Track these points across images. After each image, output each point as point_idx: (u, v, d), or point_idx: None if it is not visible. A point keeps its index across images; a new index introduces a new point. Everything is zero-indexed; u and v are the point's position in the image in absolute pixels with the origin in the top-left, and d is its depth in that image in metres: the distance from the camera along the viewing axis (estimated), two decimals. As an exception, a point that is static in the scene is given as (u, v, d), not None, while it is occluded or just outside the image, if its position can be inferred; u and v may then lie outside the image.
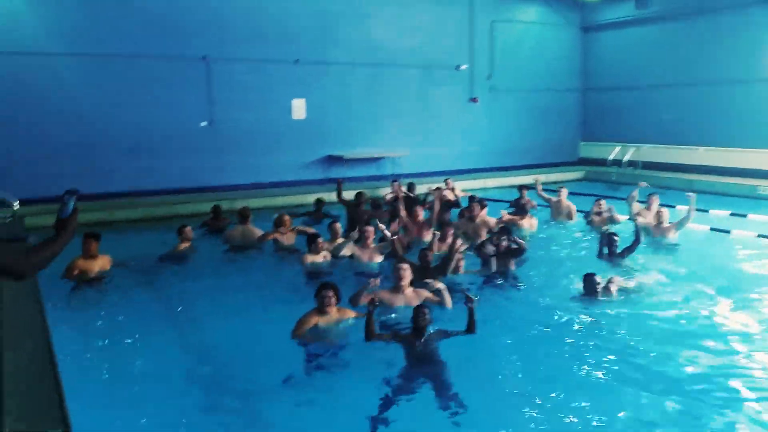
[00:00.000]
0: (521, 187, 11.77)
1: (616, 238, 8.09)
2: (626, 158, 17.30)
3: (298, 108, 14.97)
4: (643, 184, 10.33)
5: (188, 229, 8.81)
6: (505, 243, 7.43)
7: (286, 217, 8.95)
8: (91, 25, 12.54)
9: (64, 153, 12.41)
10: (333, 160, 15.48)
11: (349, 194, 11.16)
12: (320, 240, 7.79)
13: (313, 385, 4.92)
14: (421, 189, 13.70)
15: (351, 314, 5.80)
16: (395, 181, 12.14)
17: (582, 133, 20.01)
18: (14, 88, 11.97)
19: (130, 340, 5.74)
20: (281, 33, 14.46)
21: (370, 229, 8.00)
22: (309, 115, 15.10)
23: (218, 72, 13.83)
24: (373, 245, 8.00)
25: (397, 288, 6.16)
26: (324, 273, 7.50)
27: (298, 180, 14.99)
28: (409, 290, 6.18)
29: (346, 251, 7.78)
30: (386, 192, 13.09)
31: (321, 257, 7.76)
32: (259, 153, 14.49)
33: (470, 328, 5.16)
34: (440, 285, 6.31)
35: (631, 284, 6.81)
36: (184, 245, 8.70)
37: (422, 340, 5.02)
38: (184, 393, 4.79)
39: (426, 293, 6.22)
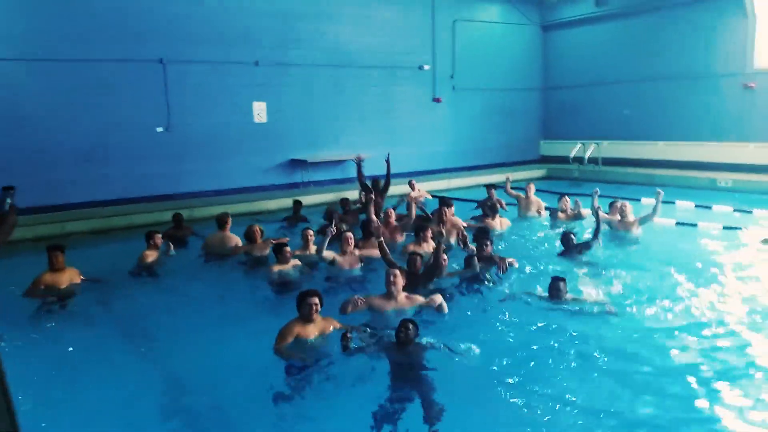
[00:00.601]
0: (489, 187, 11.66)
1: (572, 236, 8.20)
2: (587, 155, 17.44)
3: (259, 111, 14.57)
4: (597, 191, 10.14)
5: (158, 236, 8.47)
6: (489, 247, 7.29)
7: (256, 228, 8.57)
8: (40, 29, 11.87)
9: (12, 162, 11.72)
10: (296, 164, 15.13)
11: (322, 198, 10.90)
12: (287, 249, 7.48)
13: (296, 399, 4.67)
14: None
15: (336, 324, 5.49)
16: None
17: (543, 131, 20.16)
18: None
19: (99, 360, 5.44)
20: (240, 34, 14.05)
21: (350, 234, 7.76)
22: (270, 118, 14.72)
23: (175, 75, 13.32)
24: (354, 251, 7.73)
25: (389, 294, 5.91)
26: (294, 282, 7.20)
27: (260, 185, 14.59)
28: (401, 296, 5.95)
29: (327, 255, 7.47)
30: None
31: (290, 266, 7.45)
32: (219, 158, 14.04)
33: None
34: (437, 298, 6.01)
35: (593, 295, 6.60)
36: (152, 254, 8.35)
37: (406, 352, 4.89)
38: (159, 417, 4.49)
39: (420, 299, 6.00)
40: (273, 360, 5.08)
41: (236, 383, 4.90)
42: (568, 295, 6.30)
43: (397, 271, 5.96)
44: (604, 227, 9.26)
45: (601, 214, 9.29)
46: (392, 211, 9.33)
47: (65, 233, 10.98)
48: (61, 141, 12.23)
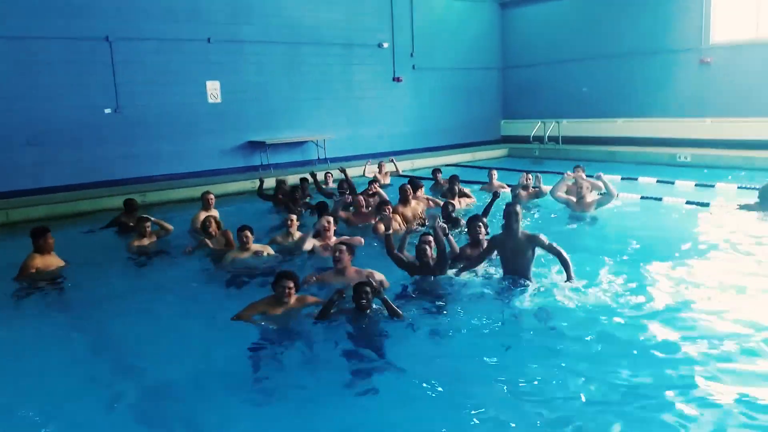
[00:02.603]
0: (435, 171, 11.99)
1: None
2: (547, 134, 17.45)
3: (213, 91, 13.98)
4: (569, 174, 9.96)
5: (148, 223, 8.01)
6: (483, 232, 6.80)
7: (212, 220, 7.94)
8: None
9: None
10: (254, 146, 14.63)
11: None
12: (248, 234, 7.04)
13: (260, 368, 4.67)
14: (351, 172, 13.24)
15: (311, 300, 5.54)
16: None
17: (503, 111, 20.09)
18: None
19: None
20: (190, 9, 13.41)
21: (330, 219, 7.39)
22: (225, 98, 14.15)
23: (123, 53, 12.62)
24: (334, 237, 7.38)
25: (339, 270, 6.03)
26: (253, 270, 6.82)
27: (217, 169, 14.06)
28: (351, 270, 6.04)
29: (307, 245, 7.08)
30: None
31: (248, 254, 7.01)
32: (173, 141, 13.44)
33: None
34: (377, 275, 5.95)
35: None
36: (145, 241, 7.96)
37: (365, 317, 5.12)
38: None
39: (368, 271, 6.00)
40: (240, 334, 5.09)
41: (198, 357, 4.89)
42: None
43: (344, 247, 6.07)
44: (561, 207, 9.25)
45: (559, 194, 9.19)
46: (363, 198, 8.95)
47: (8, 222, 10.33)
48: (3, 125, 11.46)
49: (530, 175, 10.55)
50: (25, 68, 11.65)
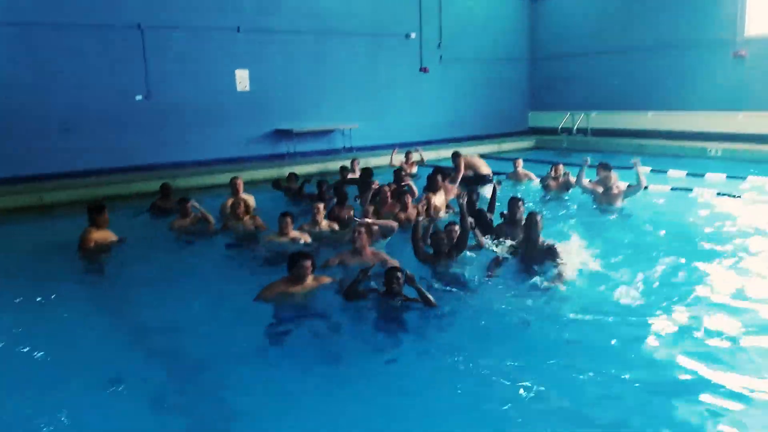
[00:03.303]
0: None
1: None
2: (576, 126, 17.27)
3: (242, 79, 14.12)
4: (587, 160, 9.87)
5: (189, 204, 8.16)
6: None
7: (240, 203, 8.05)
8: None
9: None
10: (281, 134, 14.75)
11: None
12: (288, 220, 7.03)
13: (285, 352, 4.74)
14: (376, 162, 13.33)
15: (326, 280, 5.69)
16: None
17: (531, 102, 19.92)
18: None
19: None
20: (219, -1, 13.57)
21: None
22: (253, 86, 14.28)
23: (154, 41, 12.82)
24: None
25: (356, 250, 6.22)
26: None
27: (244, 156, 14.21)
28: (368, 251, 6.26)
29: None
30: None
31: (285, 239, 7.00)
32: (201, 128, 13.62)
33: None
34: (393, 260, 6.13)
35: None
36: (186, 221, 8.12)
37: (396, 302, 5.11)
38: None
39: (385, 255, 6.28)
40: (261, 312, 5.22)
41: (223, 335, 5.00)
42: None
43: (362, 228, 6.26)
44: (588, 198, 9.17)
45: (585, 182, 9.12)
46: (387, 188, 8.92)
47: (43, 204, 10.59)
48: (36, 109, 11.76)
49: (560, 166, 10.50)
50: (59, 55, 11.91)
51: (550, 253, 5.88)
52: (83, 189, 11.25)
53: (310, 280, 5.48)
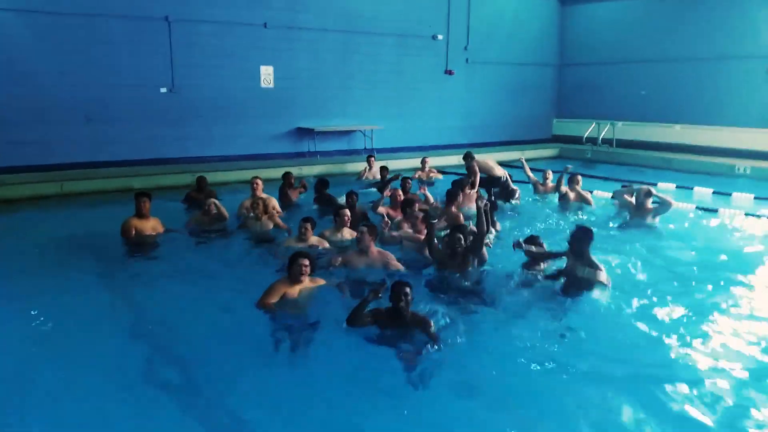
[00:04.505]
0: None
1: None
2: (601, 135, 17.00)
3: (267, 75, 14.09)
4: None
5: (212, 205, 8.10)
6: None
7: (260, 202, 8.00)
8: (41, -21, 11.42)
9: (11, 120, 11.35)
10: (303, 133, 14.71)
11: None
12: (308, 226, 6.95)
13: (283, 358, 4.66)
14: (397, 165, 13.20)
15: (320, 282, 5.63)
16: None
17: (556, 109, 19.66)
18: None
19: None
20: (249, -7, 13.53)
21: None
22: (277, 83, 14.24)
23: (181, 34, 12.82)
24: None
25: (362, 250, 6.26)
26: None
27: (266, 153, 14.19)
28: (373, 251, 6.29)
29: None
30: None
31: (304, 245, 6.84)
32: (224, 123, 13.61)
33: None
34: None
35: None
36: (205, 219, 8.08)
37: (402, 323, 4.70)
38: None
39: (390, 256, 6.27)
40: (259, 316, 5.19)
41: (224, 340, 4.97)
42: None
43: (365, 228, 6.24)
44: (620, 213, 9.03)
45: (623, 196, 9.03)
46: (399, 191, 8.78)
47: (62, 193, 10.66)
48: (60, 98, 11.81)
49: (579, 178, 10.32)
50: (85, 45, 11.93)
51: (597, 276, 5.57)
52: (103, 180, 11.29)
53: (307, 281, 5.43)
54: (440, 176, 12.92)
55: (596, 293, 5.54)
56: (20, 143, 11.40)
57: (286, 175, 9.98)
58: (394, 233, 7.14)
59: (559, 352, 4.71)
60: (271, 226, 7.90)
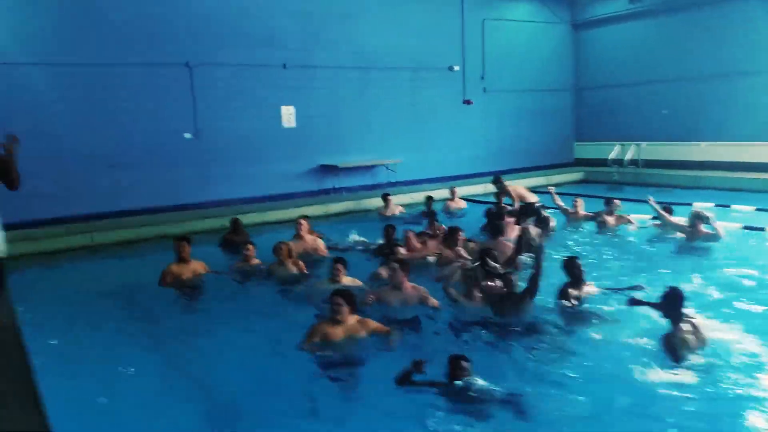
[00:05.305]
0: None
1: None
2: (627, 157, 16.77)
3: (288, 115, 14.06)
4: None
5: (250, 251, 7.94)
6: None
7: (283, 246, 7.76)
8: (62, 32, 11.44)
9: (34, 173, 11.23)
10: (326, 170, 14.60)
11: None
12: (340, 267, 6.72)
13: (329, 413, 4.41)
14: (422, 198, 13.00)
15: (373, 325, 5.40)
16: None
17: (576, 133, 19.51)
18: (-22, 101, 10.69)
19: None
20: (267, 35, 13.53)
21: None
22: (299, 122, 14.20)
23: (202, 79, 12.83)
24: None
25: (395, 286, 6.17)
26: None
27: (290, 192, 14.05)
28: (407, 286, 6.20)
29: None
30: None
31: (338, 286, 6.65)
32: (247, 164, 13.50)
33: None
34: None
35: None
36: (246, 265, 7.88)
37: (460, 391, 4.24)
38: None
39: (425, 291, 6.18)
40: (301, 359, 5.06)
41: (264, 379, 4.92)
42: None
43: (396, 265, 6.17)
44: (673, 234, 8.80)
45: (667, 218, 8.81)
46: (411, 232, 8.40)
47: (93, 244, 10.52)
48: (82, 148, 11.73)
49: (617, 201, 10.10)
50: (108, 94, 11.94)
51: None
52: (133, 229, 11.12)
53: (351, 320, 5.26)
54: (465, 205, 12.80)
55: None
56: (44, 195, 11.21)
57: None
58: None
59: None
60: (295, 270, 7.66)
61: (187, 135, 12.76)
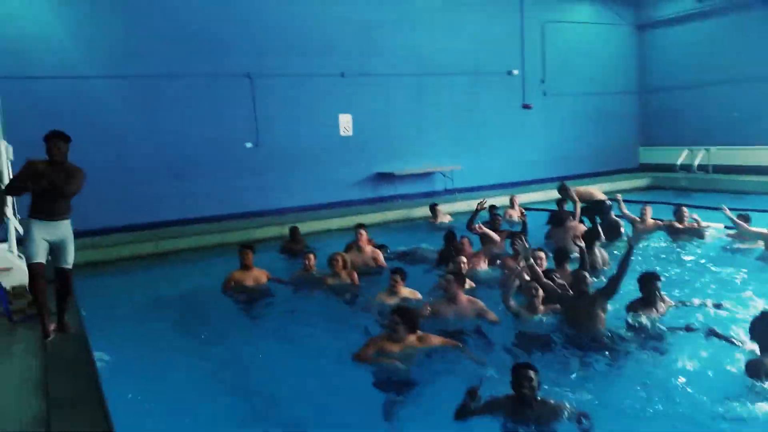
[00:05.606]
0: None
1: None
2: (696, 162, 16.06)
3: (346, 124, 14.13)
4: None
5: (310, 260, 7.92)
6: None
7: (339, 257, 7.67)
8: (128, 46, 11.85)
9: (102, 182, 11.67)
10: (383, 178, 14.58)
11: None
12: (397, 278, 6.58)
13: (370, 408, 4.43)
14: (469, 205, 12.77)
15: (437, 341, 5.18)
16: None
17: (641, 137, 18.84)
18: (50, 114, 10.84)
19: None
20: (325, 45, 13.66)
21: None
22: (355, 130, 14.25)
23: (263, 89, 13.04)
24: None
25: (449, 299, 5.98)
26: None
27: (347, 200, 14.11)
28: (462, 299, 6.01)
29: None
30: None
31: (396, 298, 6.49)
32: (305, 173, 13.64)
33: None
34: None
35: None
36: (306, 272, 7.90)
37: (530, 411, 3.91)
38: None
39: (481, 304, 5.98)
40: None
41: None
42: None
43: (451, 277, 6.01)
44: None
45: (744, 227, 8.42)
46: (466, 239, 8.25)
47: (158, 252, 10.80)
48: (148, 158, 12.11)
49: (686, 209, 9.61)
50: (172, 104, 12.29)
51: None
52: (196, 237, 11.38)
53: (412, 338, 5.04)
54: (524, 217, 12.45)
55: None
56: (110, 203, 11.60)
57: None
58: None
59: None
60: (348, 281, 7.56)
61: (248, 144, 12.99)
